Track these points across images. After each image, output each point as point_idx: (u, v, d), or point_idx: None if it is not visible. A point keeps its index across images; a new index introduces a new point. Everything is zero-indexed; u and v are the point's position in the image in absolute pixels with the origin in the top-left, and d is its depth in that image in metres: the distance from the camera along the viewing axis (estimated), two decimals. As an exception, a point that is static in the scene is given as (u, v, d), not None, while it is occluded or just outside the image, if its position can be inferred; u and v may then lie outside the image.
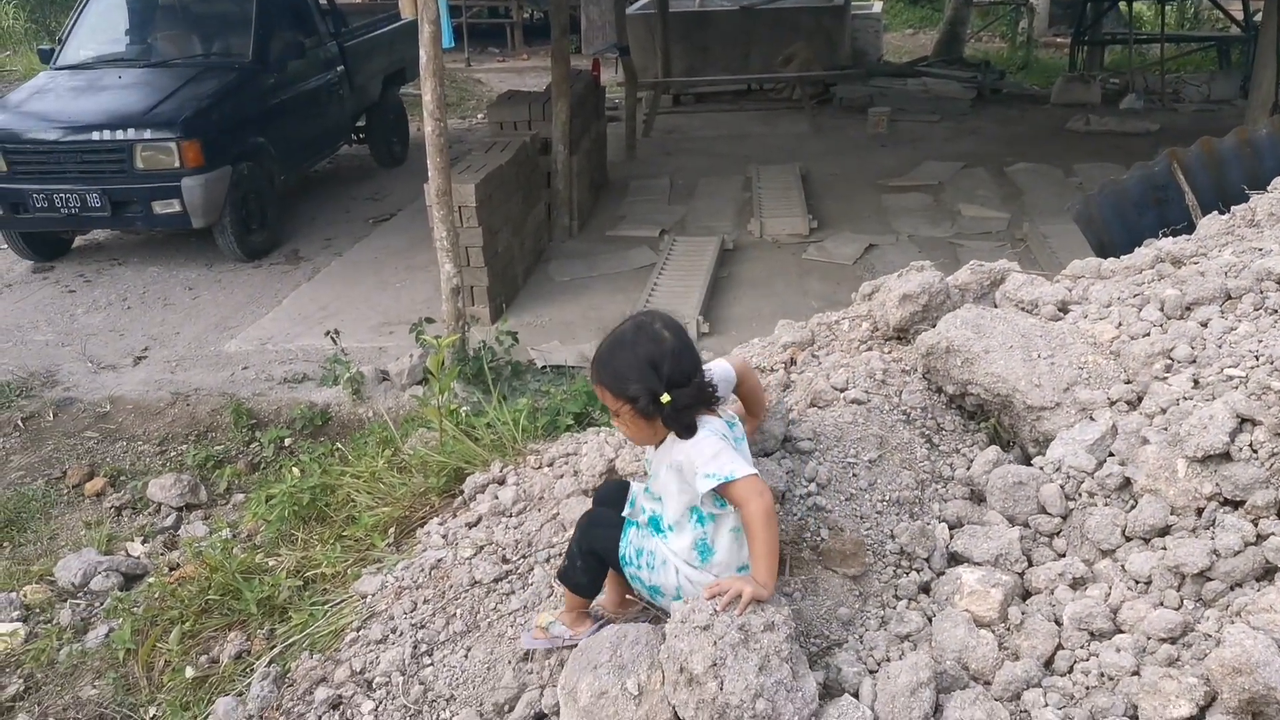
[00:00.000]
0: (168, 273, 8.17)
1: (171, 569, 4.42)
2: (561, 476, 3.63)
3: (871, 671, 2.24)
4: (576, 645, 2.43)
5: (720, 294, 7.23)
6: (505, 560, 3.30)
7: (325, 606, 3.65)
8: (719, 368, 2.50)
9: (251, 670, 3.59)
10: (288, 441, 5.69)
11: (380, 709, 2.97)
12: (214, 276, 8.06)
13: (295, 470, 4.69)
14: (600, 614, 2.68)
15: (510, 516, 3.57)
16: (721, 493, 2.18)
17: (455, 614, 3.12)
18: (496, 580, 3.18)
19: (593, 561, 2.53)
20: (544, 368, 6.28)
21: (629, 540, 2.44)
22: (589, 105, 9.35)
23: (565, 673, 2.27)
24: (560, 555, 3.13)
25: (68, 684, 3.86)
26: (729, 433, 2.29)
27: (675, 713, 2.14)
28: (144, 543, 4.86)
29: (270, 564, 4.11)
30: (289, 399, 6.11)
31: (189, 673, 3.67)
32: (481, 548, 3.45)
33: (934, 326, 3.09)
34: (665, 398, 2.19)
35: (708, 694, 2.06)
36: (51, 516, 5.11)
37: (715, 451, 2.19)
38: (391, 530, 3.96)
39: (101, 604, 4.34)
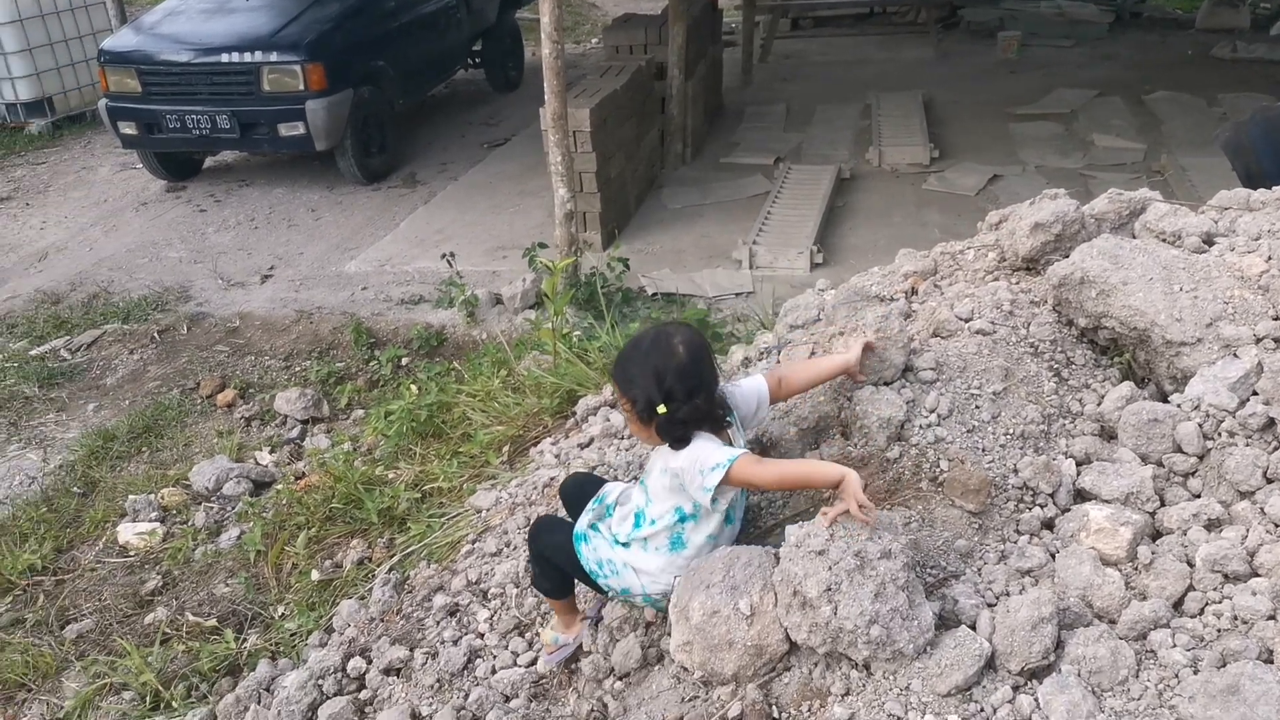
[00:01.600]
0: (292, 194, 8.39)
1: (297, 478, 4.60)
2: (673, 400, 3.64)
3: (990, 605, 2.20)
4: (578, 646, 2.66)
5: (836, 224, 7.08)
6: (617, 480, 3.33)
7: (442, 519, 3.77)
8: (750, 386, 2.54)
9: (372, 576, 3.74)
10: (405, 360, 5.82)
11: (495, 618, 3.06)
12: (335, 199, 8.25)
13: (413, 388, 4.82)
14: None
15: (622, 439, 3.60)
16: (730, 478, 2.23)
17: (568, 531, 3.18)
18: (608, 499, 3.23)
19: (548, 567, 2.63)
20: (654, 295, 6.27)
21: (585, 556, 2.52)
22: (705, 29, 9.16)
23: (677, 592, 2.29)
24: (672, 477, 3.16)
25: (202, 581, 4.07)
26: None
27: (787, 634, 2.15)
28: (271, 452, 5.06)
29: (389, 477, 4.24)
30: (406, 319, 6.24)
31: (315, 575, 3.84)
32: (594, 468, 3.50)
33: (1067, 257, 2.96)
34: (661, 409, 2.27)
35: (821, 618, 2.05)
36: (186, 424, 5.36)
37: (710, 451, 2.27)
38: (505, 448, 4.04)
39: (233, 508, 4.55)
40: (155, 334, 6.21)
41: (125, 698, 3.51)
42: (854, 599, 2.03)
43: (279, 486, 4.53)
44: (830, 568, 2.06)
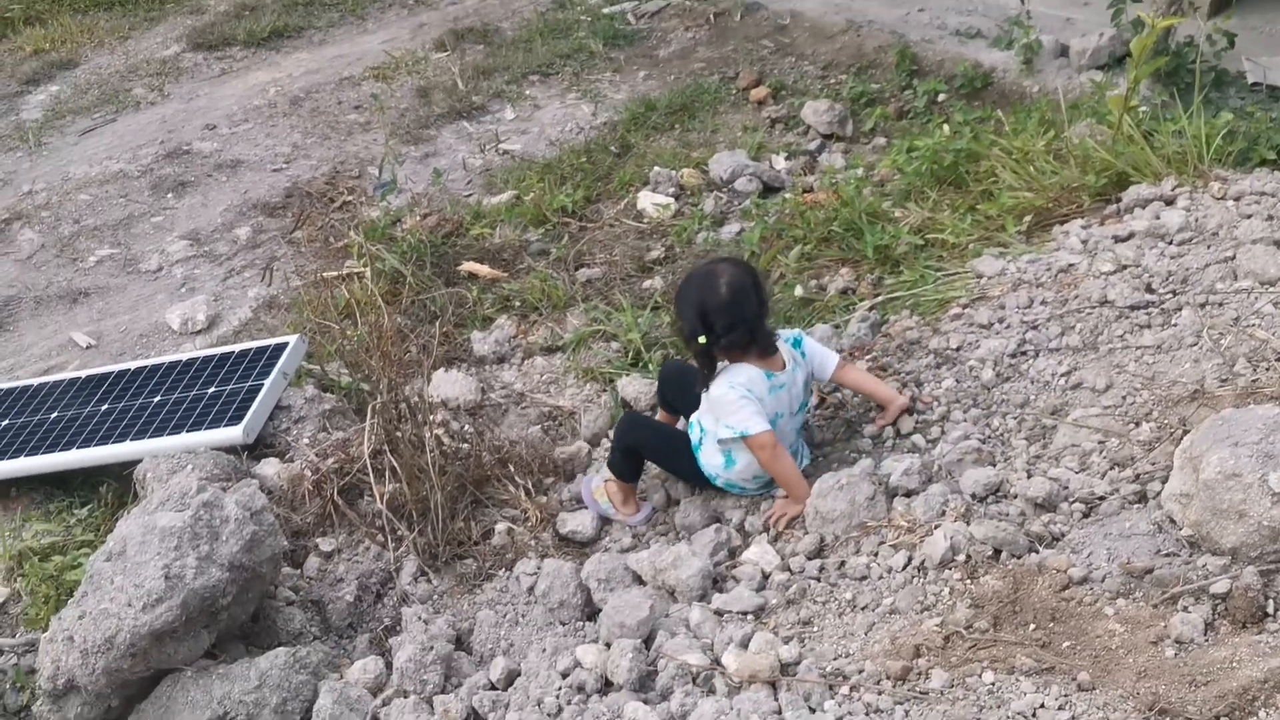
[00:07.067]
0: (874, -107, 7.88)
1: (805, 191, 4.58)
2: (1250, 216, 3.06)
3: None
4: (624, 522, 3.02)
5: None
6: (1149, 289, 2.91)
7: (938, 273, 3.58)
8: (824, 351, 2.93)
9: (852, 308, 3.69)
10: (941, 97, 5.44)
11: (959, 387, 2.90)
12: (917, -96, 7.62)
13: (945, 128, 4.50)
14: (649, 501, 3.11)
15: (1169, 244, 3.12)
16: (744, 442, 2.70)
17: (1074, 327, 2.87)
18: (1133, 308, 2.84)
19: (630, 454, 2.97)
20: (1255, 85, 5.22)
21: (705, 461, 2.89)
22: None
23: (1194, 437, 1.98)
24: (1220, 305, 2.69)
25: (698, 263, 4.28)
26: (760, 385, 2.70)
27: (1321, 532, 1.78)
28: (787, 159, 5.06)
29: (895, 215, 4.07)
30: (955, 53, 5.77)
31: (798, 291, 3.87)
32: (1124, 267, 3.08)
33: None
34: (701, 339, 2.66)
35: (1377, 530, 1.66)
36: (718, 112, 5.49)
37: (736, 408, 2.67)
38: (1027, 219, 3.68)
39: (739, 204, 4.67)
40: (711, 16, 6.31)
41: (612, 347, 3.87)
42: None
43: (786, 195, 4.55)
44: None
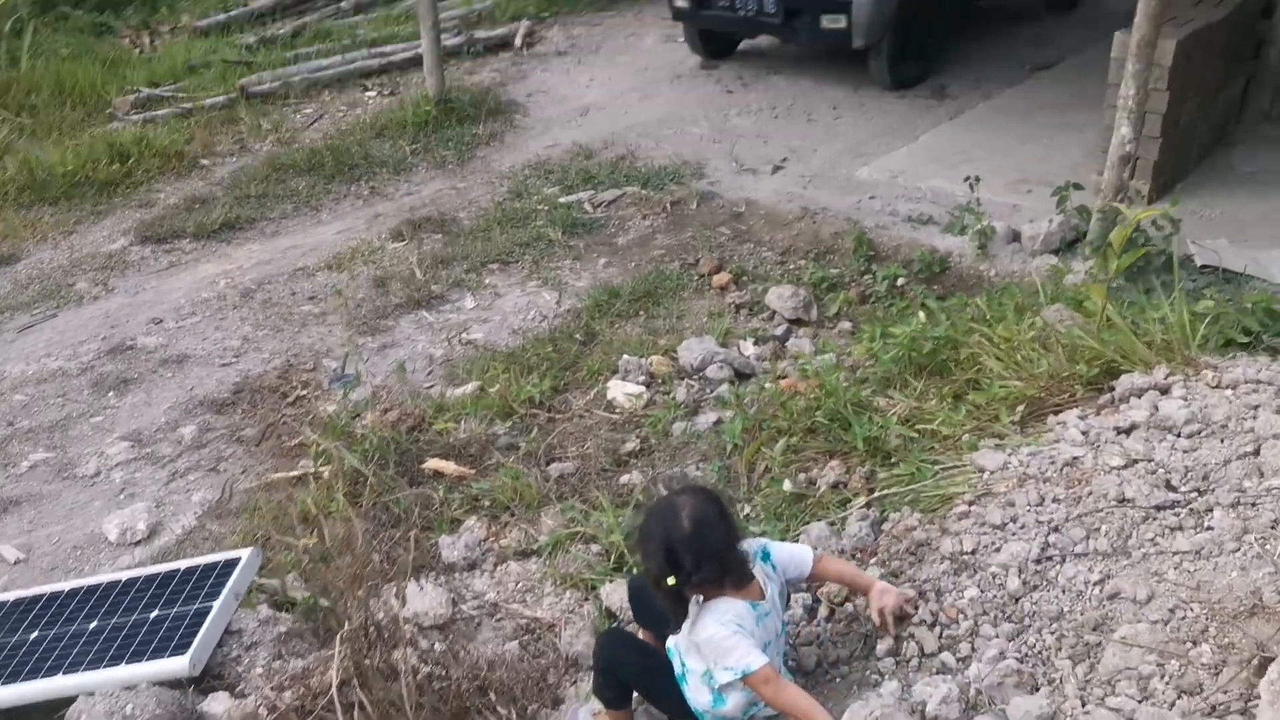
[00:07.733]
0: (816, 89, 8.20)
1: (779, 378, 4.48)
2: (1258, 406, 2.98)
3: None
4: None
5: None
6: (1170, 487, 2.78)
7: (935, 466, 3.44)
8: (795, 553, 2.77)
9: (846, 504, 3.52)
10: (901, 281, 5.48)
11: (984, 596, 2.71)
12: (858, 100, 7.94)
13: (921, 315, 4.47)
14: None
15: (1178, 436, 3.02)
16: (743, 682, 2.49)
17: (1098, 529, 2.71)
18: (1158, 508, 2.70)
19: (613, 679, 2.76)
20: (1204, 267, 5.35)
21: (692, 697, 2.67)
22: (1338, -38, 7.53)
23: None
24: (1254, 505, 2.57)
25: (676, 457, 4.10)
26: (748, 619, 2.53)
27: None
28: (755, 345, 4.98)
29: (879, 404, 3.97)
30: (909, 238, 5.87)
31: (787, 486, 3.69)
32: (1135, 461, 2.97)
33: None
34: (670, 580, 2.47)
35: None
36: (681, 298, 5.42)
37: (731, 646, 2.47)
38: (1020, 409, 3.59)
39: (711, 390, 4.53)
40: (668, 205, 6.36)
41: (592, 549, 3.62)
42: None
43: (765, 384, 4.42)
44: None
